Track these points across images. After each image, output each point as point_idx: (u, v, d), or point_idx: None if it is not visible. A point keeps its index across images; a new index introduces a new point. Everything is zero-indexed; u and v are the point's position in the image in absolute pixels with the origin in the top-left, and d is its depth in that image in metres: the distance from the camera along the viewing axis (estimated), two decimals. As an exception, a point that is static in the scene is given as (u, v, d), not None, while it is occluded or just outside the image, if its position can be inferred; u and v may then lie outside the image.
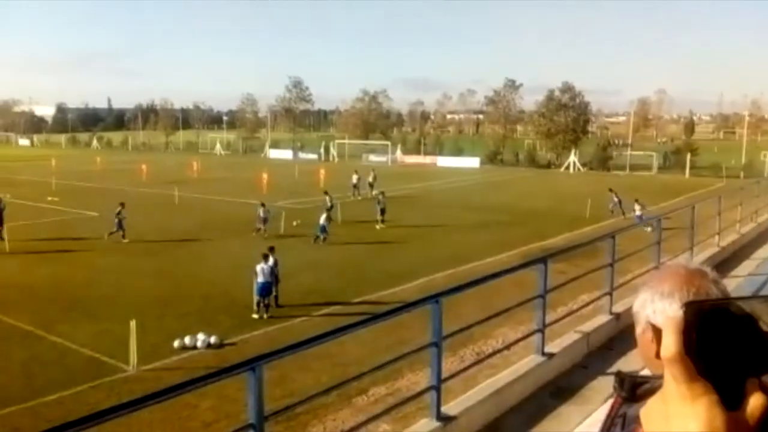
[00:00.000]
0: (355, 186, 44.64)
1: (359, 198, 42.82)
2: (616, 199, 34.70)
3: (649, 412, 0.87)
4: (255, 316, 18.21)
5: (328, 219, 28.91)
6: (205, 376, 4.23)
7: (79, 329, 16.97)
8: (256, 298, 18.43)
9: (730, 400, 0.79)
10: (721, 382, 0.80)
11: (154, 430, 11.56)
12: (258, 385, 4.23)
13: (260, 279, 18.46)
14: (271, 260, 18.93)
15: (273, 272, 18.79)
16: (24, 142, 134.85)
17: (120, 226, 28.77)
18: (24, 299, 19.71)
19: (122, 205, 28.96)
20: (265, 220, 30.12)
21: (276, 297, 19.02)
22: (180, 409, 12.12)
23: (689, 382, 0.81)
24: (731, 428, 0.78)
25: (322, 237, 27.95)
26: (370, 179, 45.32)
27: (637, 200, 32.55)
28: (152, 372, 14.34)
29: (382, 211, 32.25)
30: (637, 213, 31.65)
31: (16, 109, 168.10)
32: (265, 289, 18.47)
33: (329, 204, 32.82)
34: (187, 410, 12.20)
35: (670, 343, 0.83)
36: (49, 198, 42.26)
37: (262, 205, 30.93)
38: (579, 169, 68.84)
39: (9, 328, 17.18)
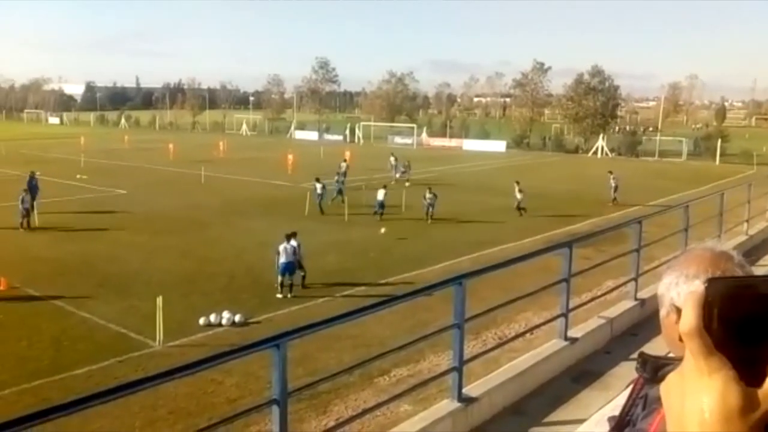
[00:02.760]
0: (393, 167, 44.68)
1: (397, 181, 42.61)
2: (613, 184, 34.52)
3: (668, 386, 0.89)
4: (279, 295, 18.37)
5: (386, 195, 29.87)
6: (230, 351, 4.30)
7: (107, 305, 17.28)
8: (279, 277, 18.61)
9: (748, 377, 0.80)
10: (740, 358, 0.81)
11: (180, 404, 11.77)
12: (282, 362, 4.28)
13: (283, 259, 18.61)
14: (294, 242, 19.06)
15: (295, 252, 18.93)
16: (54, 120, 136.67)
17: None
18: (54, 275, 20.08)
19: None
20: (321, 197, 30.81)
21: (303, 277, 19.14)
22: (205, 385, 12.33)
23: (706, 356, 0.82)
24: (746, 404, 0.79)
25: (379, 213, 29.29)
26: (393, 162, 45.27)
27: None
28: (178, 348, 14.57)
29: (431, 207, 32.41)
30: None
31: (46, 87, 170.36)
32: (288, 269, 18.60)
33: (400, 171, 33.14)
34: (213, 386, 12.40)
35: (690, 317, 0.84)
36: (78, 175, 42.87)
37: (317, 180, 31.28)
38: (607, 154, 68.05)
39: (39, 303, 17.54)
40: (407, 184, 39.04)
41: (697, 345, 0.83)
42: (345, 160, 34.32)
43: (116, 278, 19.97)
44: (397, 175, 43.72)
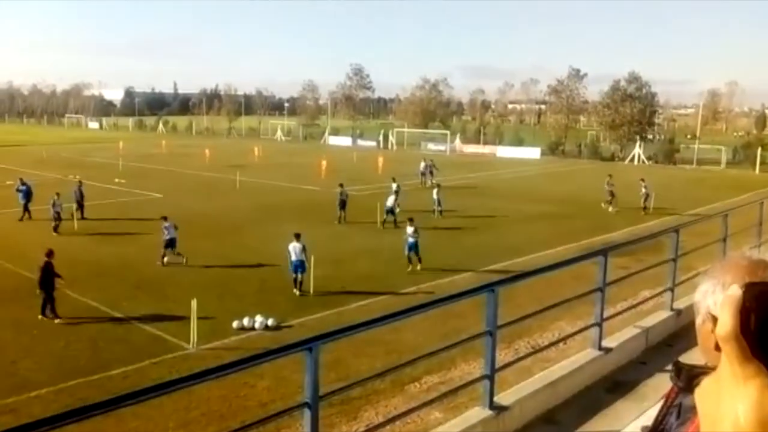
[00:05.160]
0: (422, 174, 44.64)
1: (426, 186, 42.56)
2: (644, 192, 34.04)
3: (703, 392, 0.88)
4: (296, 291, 19.07)
5: (396, 202, 29.41)
6: (263, 354, 4.33)
7: (142, 307, 17.56)
8: (291, 275, 19.26)
9: None
10: None
11: (212, 407, 11.89)
12: (314, 365, 4.30)
13: (293, 258, 19.32)
14: (299, 244, 19.58)
15: (304, 252, 19.43)
16: (93, 124, 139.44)
17: None
18: (91, 277, 20.47)
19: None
20: (342, 204, 30.42)
21: (301, 283, 19.44)
22: (238, 388, 12.44)
23: (743, 362, 0.81)
24: None
25: (390, 219, 28.64)
26: (424, 167, 45.19)
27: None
28: (211, 351, 14.73)
29: (439, 202, 32.19)
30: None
31: (86, 92, 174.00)
32: (298, 267, 19.27)
33: (396, 187, 32.89)
34: (245, 389, 12.51)
35: (727, 321, 0.83)
36: (117, 179, 43.67)
37: (341, 185, 31.19)
38: (644, 161, 67.10)
39: (77, 304, 17.88)
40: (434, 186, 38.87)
41: (733, 350, 0.82)
42: (393, 180, 33.74)
43: (152, 280, 20.28)
44: (430, 181, 43.68)
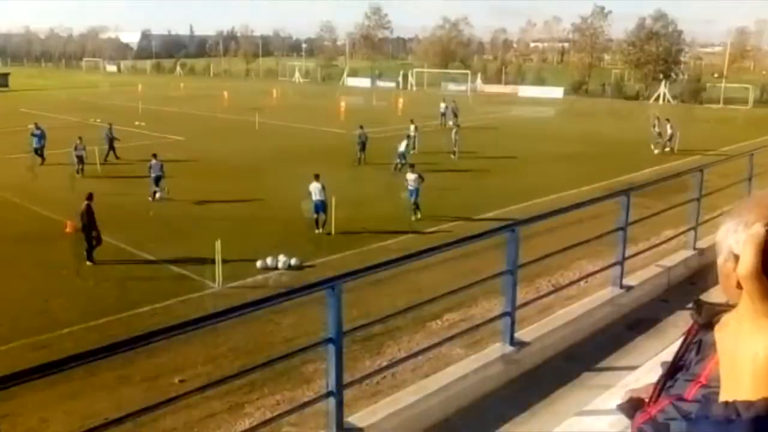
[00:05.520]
0: (442, 114, 44.18)
1: (446, 127, 42.19)
2: (669, 131, 33.46)
3: (723, 328, 0.89)
4: (317, 231, 19.50)
5: (408, 147, 28.66)
6: (287, 292, 4.43)
7: (168, 247, 17.84)
8: (312, 215, 19.66)
9: None
10: None
11: (239, 343, 12.18)
12: (337, 303, 4.38)
13: (314, 197, 19.64)
14: (318, 184, 19.80)
15: (323, 192, 19.69)
16: (111, 68, 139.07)
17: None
18: (117, 219, 20.71)
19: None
20: (362, 146, 30.33)
21: (324, 222, 19.76)
22: (263, 325, 12.71)
23: (764, 300, 0.82)
24: None
25: (399, 164, 27.94)
26: (447, 108, 44.60)
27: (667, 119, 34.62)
28: (236, 289, 15.01)
29: (455, 143, 31.95)
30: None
31: (103, 36, 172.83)
32: (319, 207, 19.65)
33: (412, 132, 32.61)
34: (270, 326, 12.77)
35: (749, 260, 0.84)
36: (136, 122, 43.75)
37: (360, 127, 30.99)
38: (669, 101, 65.82)
39: (105, 245, 18.19)
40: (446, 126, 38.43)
41: (754, 288, 0.83)
42: (412, 122, 33.41)
43: (176, 222, 20.54)
44: (450, 123, 43.30)
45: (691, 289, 8.04)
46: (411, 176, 21.72)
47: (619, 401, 2.83)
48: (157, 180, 23.81)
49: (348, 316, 4.53)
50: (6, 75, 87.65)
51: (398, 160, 28.10)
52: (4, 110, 53.25)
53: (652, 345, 6.42)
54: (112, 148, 31.51)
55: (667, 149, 33.36)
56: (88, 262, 16.87)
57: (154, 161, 24.05)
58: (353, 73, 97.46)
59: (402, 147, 28.59)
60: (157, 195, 23.52)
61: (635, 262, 8.31)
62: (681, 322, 6.83)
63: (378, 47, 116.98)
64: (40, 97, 69.74)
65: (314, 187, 19.72)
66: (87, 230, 17.10)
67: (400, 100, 52.62)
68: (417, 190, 21.40)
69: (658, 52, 72.20)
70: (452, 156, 31.43)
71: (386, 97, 62.06)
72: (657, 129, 34.38)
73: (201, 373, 11.07)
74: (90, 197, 17.68)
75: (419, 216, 21.02)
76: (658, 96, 66.75)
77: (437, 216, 21.23)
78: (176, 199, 23.11)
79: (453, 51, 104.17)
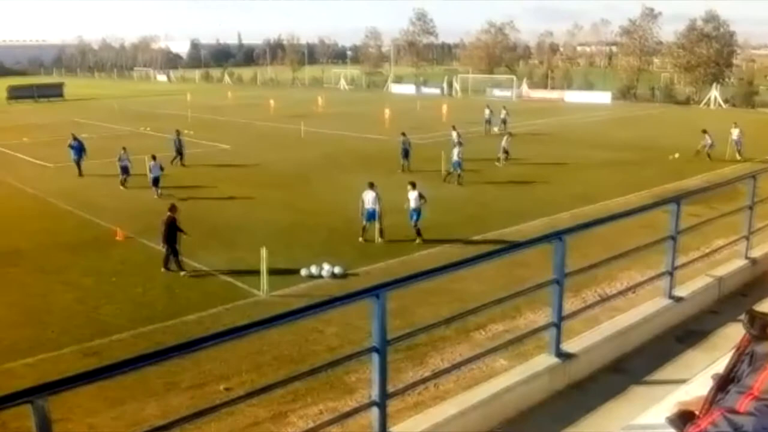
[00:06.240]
0: (487, 121, 43.87)
1: (495, 134, 41.88)
2: (709, 141, 32.38)
3: None
4: (360, 239, 19.44)
5: (460, 155, 27.66)
6: (332, 300, 4.42)
7: (214, 255, 18.11)
8: (362, 223, 19.58)
9: None
10: None
11: (283, 351, 12.28)
12: (381, 311, 4.37)
13: (367, 206, 19.46)
14: (372, 192, 19.64)
15: (376, 201, 19.47)
16: (161, 77, 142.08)
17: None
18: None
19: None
20: (405, 153, 30.25)
21: (380, 231, 19.62)
22: (307, 334, 12.79)
23: None
24: None
25: (457, 173, 27.35)
26: (503, 115, 44.24)
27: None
28: (281, 297, 15.14)
29: (505, 150, 31.63)
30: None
31: (154, 45, 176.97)
32: (372, 216, 19.45)
33: (457, 139, 32.41)
34: (314, 334, 12.85)
35: None
36: (185, 131, 44.50)
37: (403, 134, 30.90)
38: (720, 105, 64.20)
39: (153, 252, 18.57)
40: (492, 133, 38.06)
41: None
42: (454, 128, 33.29)
43: (222, 229, 20.84)
44: (495, 128, 43.02)
45: (743, 300, 7.81)
46: (412, 194, 20.06)
47: (668, 414, 2.76)
48: (156, 181, 25.59)
49: (391, 325, 4.52)
50: (61, 85, 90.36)
51: (453, 169, 27.55)
52: (58, 119, 54.91)
53: (702, 357, 6.25)
54: (180, 154, 32.62)
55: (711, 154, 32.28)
56: (162, 269, 17.13)
57: (152, 162, 25.76)
58: (398, 80, 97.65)
59: (455, 155, 27.65)
60: (157, 194, 25.35)
61: (685, 273, 8.11)
62: (732, 333, 6.63)
63: (423, 53, 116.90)
64: (93, 106, 71.71)
65: (368, 195, 19.57)
66: (168, 240, 17.19)
67: (444, 107, 52.54)
68: (418, 210, 19.75)
69: (709, 55, 70.50)
70: (497, 163, 31.19)
71: (430, 103, 61.99)
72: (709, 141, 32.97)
73: (245, 381, 11.18)
74: (173, 208, 17.72)
75: (419, 240, 19.34)
76: (709, 100, 65.16)
77: (484, 223, 21.10)
78: (223, 207, 23.46)
79: (498, 56, 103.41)
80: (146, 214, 22.67)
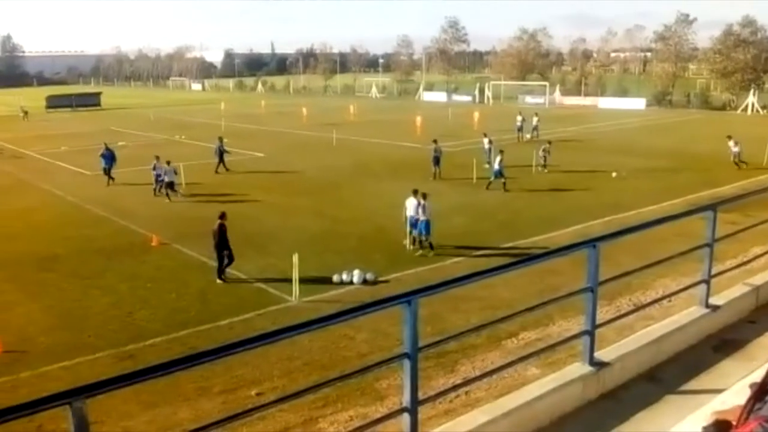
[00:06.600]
0: (519, 129, 43.62)
1: (524, 141, 41.67)
2: (735, 149, 31.59)
3: None
4: (406, 242, 19.42)
5: (501, 163, 27.44)
6: (363, 306, 4.43)
7: (247, 261, 18.25)
8: (408, 228, 19.39)
9: None
10: None
11: (314, 357, 12.33)
12: (413, 318, 4.37)
13: (409, 213, 19.30)
14: (414, 199, 19.47)
15: (422, 209, 19.12)
16: (196, 86, 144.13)
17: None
18: (199, 232, 21.32)
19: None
20: (436, 160, 30.24)
21: (418, 241, 19.39)
22: (338, 340, 12.84)
23: None
24: None
25: (501, 181, 27.19)
26: (534, 122, 44.01)
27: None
28: (312, 303, 15.21)
29: (545, 159, 31.46)
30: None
31: (189, 55, 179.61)
32: (414, 223, 19.19)
33: (488, 146, 32.34)
34: (344, 341, 12.88)
35: None
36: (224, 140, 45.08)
37: (434, 141, 30.89)
38: (758, 111, 62.99)
39: (187, 259, 18.83)
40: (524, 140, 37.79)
41: None
42: (485, 135, 33.38)
43: (255, 236, 21.01)
44: (528, 135, 42.78)
45: (782, 310, 7.65)
46: (411, 202, 19.40)
47: (704, 424, 2.71)
48: (171, 185, 26.91)
49: (422, 332, 4.51)
50: (98, 94, 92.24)
51: (495, 177, 27.33)
52: (96, 128, 55.97)
53: (738, 367, 6.12)
54: (222, 160, 33.34)
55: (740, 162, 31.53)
56: (218, 281, 16.99)
57: (160, 166, 27.33)
58: (429, 88, 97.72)
59: (496, 164, 27.53)
60: (175, 195, 26.84)
61: (722, 281, 7.96)
62: (771, 344, 6.51)
63: (454, 61, 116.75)
64: (129, 115, 72.99)
65: (410, 203, 19.40)
66: (219, 248, 17.19)
67: (476, 114, 52.39)
68: (428, 222, 18.95)
69: (747, 60, 69.27)
70: (537, 169, 30.95)
71: (462, 111, 61.87)
72: (734, 150, 32.18)
73: (277, 386, 11.25)
74: (223, 216, 17.72)
75: (423, 251, 18.89)
76: (747, 106, 63.97)
77: (518, 230, 20.98)
78: (257, 214, 23.66)
79: (531, 63, 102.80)
80: (181, 221, 23.02)
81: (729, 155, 31.86)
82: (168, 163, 27.27)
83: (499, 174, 27.28)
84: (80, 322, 14.59)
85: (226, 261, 17.24)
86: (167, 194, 26.80)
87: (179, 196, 26.97)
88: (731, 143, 31.93)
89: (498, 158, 27.70)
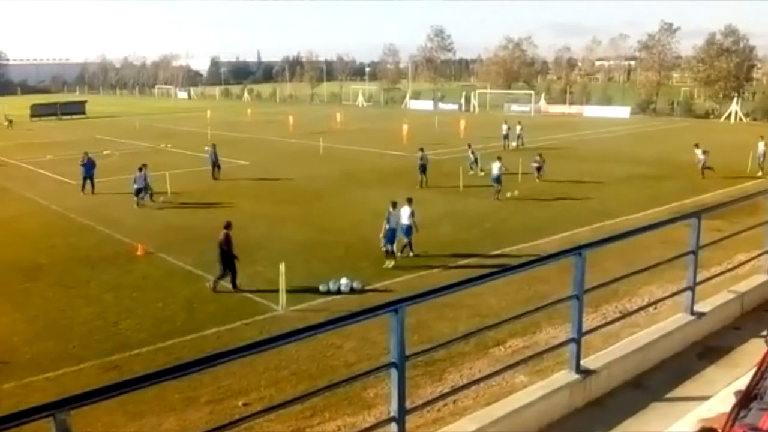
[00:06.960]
0: (505, 137, 43.78)
1: (510, 149, 41.84)
2: (702, 158, 31.82)
3: None
4: (410, 254, 19.36)
5: (501, 170, 27.60)
6: (350, 315, 4.41)
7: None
8: (404, 239, 19.36)
9: None
10: None
11: (301, 366, 12.28)
12: (400, 326, 4.36)
13: (403, 221, 19.26)
14: (410, 208, 19.44)
15: (411, 215, 19.28)
16: (182, 94, 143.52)
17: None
18: (184, 241, 21.31)
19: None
20: (423, 168, 30.31)
21: (410, 245, 19.47)
22: (325, 349, 12.79)
23: None
24: None
25: (497, 188, 27.38)
26: (518, 131, 44.22)
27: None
28: (299, 312, 15.16)
29: (539, 170, 31.56)
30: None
31: (175, 63, 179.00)
32: (407, 232, 19.27)
33: (473, 157, 32.60)
34: (332, 350, 12.85)
35: None
36: (206, 147, 44.81)
37: (421, 150, 31.00)
38: (741, 119, 63.65)
39: (173, 268, 18.71)
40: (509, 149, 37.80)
41: None
42: (469, 146, 33.81)
43: (241, 245, 20.82)
44: (514, 144, 42.99)
45: (765, 316, 7.72)
46: (405, 211, 19.57)
47: (690, 431, 2.73)
48: (138, 191, 27.08)
49: (409, 341, 4.51)
50: (83, 102, 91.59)
51: (495, 184, 27.42)
52: (80, 136, 55.58)
53: (723, 374, 6.16)
54: (216, 166, 33.58)
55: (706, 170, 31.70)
56: (233, 290, 16.85)
57: (138, 173, 27.25)
58: (416, 96, 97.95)
59: (495, 170, 27.57)
60: (142, 201, 27.13)
61: (707, 288, 8.02)
62: (754, 351, 6.53)
63: (440, 69, 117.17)
64: (115, 123, 72.56)
65: (404, 211, 19.38)
66: (225, 259, 17.03)
67: (462, 122, 52.53)
68: (410, 227, 19.36)
69: (729, 69, 70.06)
70: (537, 179, 31.18)
71: (448, 119, 62.05)
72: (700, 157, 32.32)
73: (264, 396, 11.20)
74: (228, 226, 17.62)
75: (408, 253, 19.34)
76: (730, 114, 64.64)
77: (504, 238, 21.04)
78: (243, 223, 23.57)
79: (516, 71, 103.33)
80: (167, 230, 22.89)
81: (696, 163, 32.07)
82: (140, 169, 27.28)
83: (498, 180, 27.42)
84: (65, 332, 14.45)
85: (228, 271, 17.01)
86: (137, 202, 26.90)
87: (151, 202, 27.30)
88: (698, 152, 32.27)
89: (498, 164, 27.72)
